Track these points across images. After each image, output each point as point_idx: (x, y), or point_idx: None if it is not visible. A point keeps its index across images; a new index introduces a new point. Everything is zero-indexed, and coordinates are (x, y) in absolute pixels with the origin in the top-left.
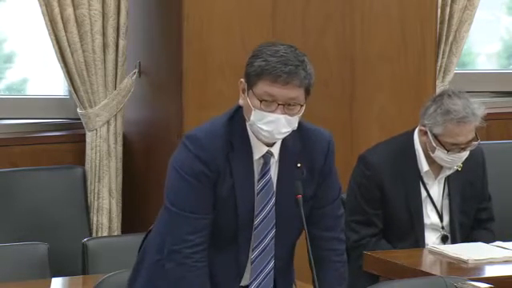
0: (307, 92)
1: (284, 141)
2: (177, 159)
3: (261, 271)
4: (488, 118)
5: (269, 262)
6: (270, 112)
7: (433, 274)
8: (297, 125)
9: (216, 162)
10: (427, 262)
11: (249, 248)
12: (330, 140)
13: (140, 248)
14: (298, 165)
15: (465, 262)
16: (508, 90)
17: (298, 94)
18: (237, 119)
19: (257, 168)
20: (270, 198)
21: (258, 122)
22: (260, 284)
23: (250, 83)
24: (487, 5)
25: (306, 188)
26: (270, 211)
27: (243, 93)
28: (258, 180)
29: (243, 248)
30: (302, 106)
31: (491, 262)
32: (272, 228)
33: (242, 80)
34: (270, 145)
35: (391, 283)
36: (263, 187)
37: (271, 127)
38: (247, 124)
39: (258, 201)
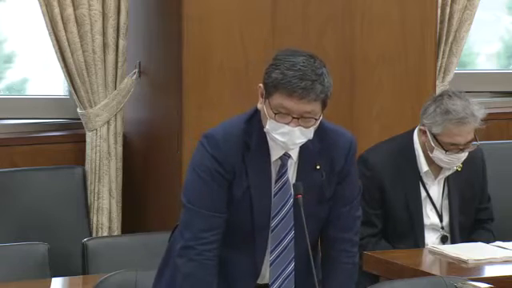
0: (324, 104)
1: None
2: (194, 158)
3: (281, 273)
4: (488, 118)
5: (289, 264)
6: (284, 124)
7: (433, 274)
8: (312, 135)
9: (231, 161)
10: (427, 262)
11: (266, 248)
12: (352, 141)
13: (169, 241)
14: (317, 167)
15: (465, 262)
16: (508, 90)
17: (314, 108)
18: (255, 120)
19: (274, 169)
20: (288, 200)
21: (272, 131)
22: (281, 286)
23: (267, 93)
24: (487, 5)
25: (325, 189)
26: (287, 213)
27: (261, 97)
28: (275, 181)
29: (260, 248)
30: (316, 119)
31: (491, 262)
32: (291, 230)
33: (261, 85)
34: None
35: (391, 283)
36: (280, 189)
37: (285, 138)
38: (265, 129)
39: (275, 202)
